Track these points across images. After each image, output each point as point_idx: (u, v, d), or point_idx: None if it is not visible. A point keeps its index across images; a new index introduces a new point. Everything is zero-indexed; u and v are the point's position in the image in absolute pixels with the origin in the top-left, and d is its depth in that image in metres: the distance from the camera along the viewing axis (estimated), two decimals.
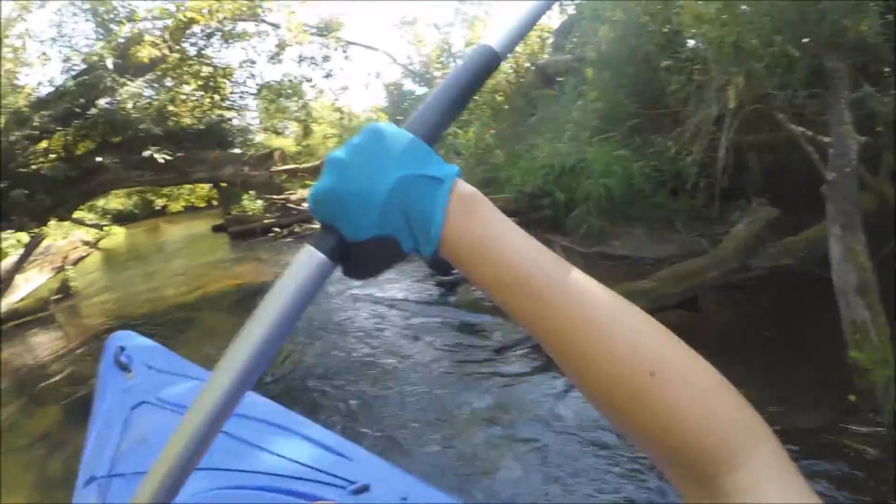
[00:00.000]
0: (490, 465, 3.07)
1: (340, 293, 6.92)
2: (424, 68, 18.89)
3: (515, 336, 4.35)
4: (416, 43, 19.09)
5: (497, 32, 0.57)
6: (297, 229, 12.19)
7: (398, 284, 6.87)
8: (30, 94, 12.71)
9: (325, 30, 15.68)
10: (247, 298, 7.51)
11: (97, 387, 2.17)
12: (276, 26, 14.99)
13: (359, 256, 0.49)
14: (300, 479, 1.31)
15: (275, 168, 14.47)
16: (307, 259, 0.49)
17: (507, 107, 9.96)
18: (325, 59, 16.60)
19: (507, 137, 8.86)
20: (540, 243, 0.46)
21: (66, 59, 13.07)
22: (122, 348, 2.23)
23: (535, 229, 5.98)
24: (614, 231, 6.25)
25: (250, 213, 14.25)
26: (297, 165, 15.63)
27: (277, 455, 1.42)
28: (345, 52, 16.39)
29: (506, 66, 9.96)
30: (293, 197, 13.18)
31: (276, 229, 12.64)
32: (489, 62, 0.55)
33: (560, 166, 6.70)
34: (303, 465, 1.37)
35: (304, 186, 14.29)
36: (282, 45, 15.54)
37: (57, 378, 5.72)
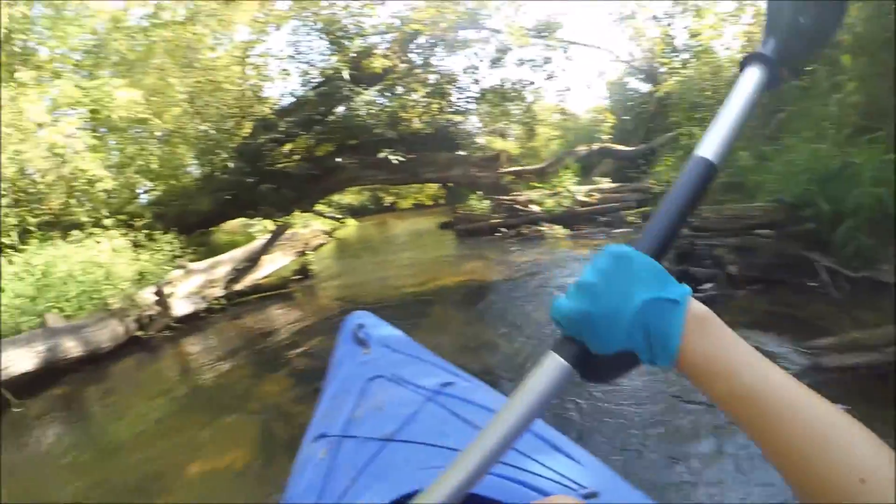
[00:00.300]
0: None
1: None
2: (648, 64, 17.46)
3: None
4: (636, 38, 17.79)
5: (710, 142, 0.64)
6: (524, 230, 11.45)
7: None
8: (274, 105, 13.64)
9: (544, 31, 14.96)
10: (475, 294, 7.04)
11: (334, 356, 2.29)
12: (496, 31, 14.61)
13: (599, 366, 0.57)
14: (532, 473, 1.26)
15: (501, 169, 13.87)
16: (552, 365, 0.57)
17: None
18: (547, 60, 15.88)
19: (752, 137, 7.22)
20: (766, 358, 0.51)
21: (304, 74, 13.80)
22: (361, 325, 2.35)
23: (793, 244, 5.10)
24: (885, 253, 4.69)
25: (477, 213, 13.71)
26: (523, 167, 14.97)
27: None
28: (565, 52, 15.54)
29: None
30: (520, 198, 12.43)
31: (503, 229, 12.01)
32: (707, 174, 0.62)
33: (823, 171, 5.17)
34: (534, 460, 1.32)
35: (530, 188, 13.59)
36: (503, 50, 15.16)
37: (290, 350, 5.76)
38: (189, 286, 7.70)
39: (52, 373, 5.79)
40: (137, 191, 11.57)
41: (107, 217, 9.59)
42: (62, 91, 8.87)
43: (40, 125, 8.17)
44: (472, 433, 1.34)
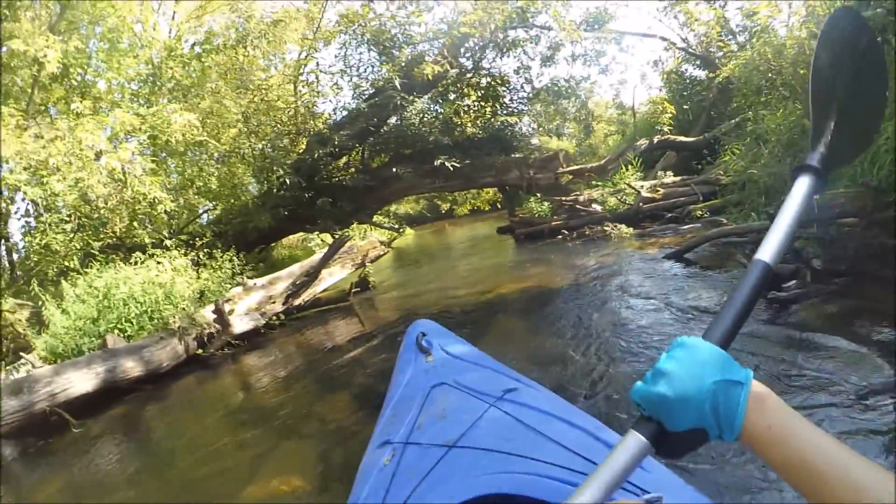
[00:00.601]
0: None
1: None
2: (704, 49, 16.64)
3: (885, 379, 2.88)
4: (690, 23, 16.98)
5: (768, 248, 0.75)
6: (587, 232, 10.89)
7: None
8: (327, 119, 13.56)
9: (595, 23, 14.39)
10: (540, 302, 6.50)
11: (397, 364, 2.30)
12: (546, 29, 14.14)
13: (673, 442, 0.65)
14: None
15: (560, 169, 13.38)
16: (633, 441, 0.65)
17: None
18: (599, 54, 15.45)
19: None
20: (816, 427, 0.60)
21: (356, 87, 13.63)
22: (424, 334, 2.35)
23: (877, 231, 4.56)
24: None
25: (536, 216, 13.27)
26: (581, 166, 14.41)
27: (571, 451, 1.35)
28: (618, 43, 14.98)
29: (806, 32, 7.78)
30: (581, 198, 11.88)
31: (565, 231, 11.49)
32: (766, 275, 0.73)
33: None
34: (594, 463, 1.27)
35: (590, 186, 13.04)
36: (555, 47, 14.61)
37: (350, 366, 5.56)
38: (248, 303, 7.60)
39: (113, 393, 5.82)
40: (198, 211, 11.66)
41: (168, 238, 9.69)
42: (119, 119, 8.95)
43: (99, 154, 8.24)
44: (536, 438, 1.37)
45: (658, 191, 11.17)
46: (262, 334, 7.52)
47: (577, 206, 11.74)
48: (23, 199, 9.09)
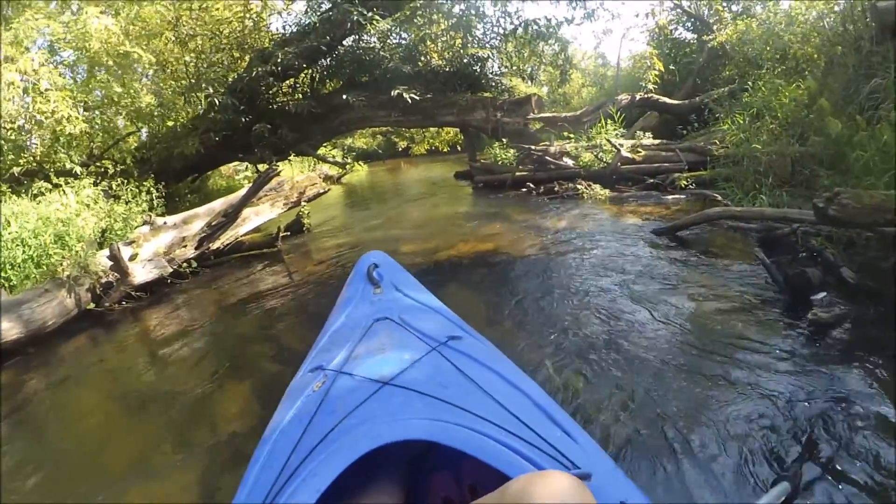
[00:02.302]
0: None
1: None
2: (698, 10, 15.56)
3: None
4: None
5: None
6: (556, 188, 9.92)
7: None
8: (273, 35, 12.24)
9: None
10: (498, 274, 5.52)
11: (344, 292, 2.34)
12: None
13: None
14: (529, 443, 1.22)
15: (531, 115, 12.42)
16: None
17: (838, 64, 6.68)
18: None
19: (840, 103, 5.83)
20: None
21: (310, 1, 12.25)
22: (376, 265, 2.36)
23: None
24: None
25: (500, 163, 12.35)
26: (555, 114, 13.47)
27: (508, 411, 1.35)
28: None
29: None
30: (551, 149, 10.91)
31: (531, 184, 10.56)
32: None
33: None
34: (533, 430, 1.28)
35: (562, 138, 12.04)
36: None
37: (268, 327, 4.96)
38: (155, 246, 6.61)
39: None
40: (121, 134, 10.47)
41: (87, 164, 8.67)
42: (22, 25, 7.79)
43: None
44: (473, 390, 1.42)
45: (639, 152, 10.19)
46: (169, 284, 6.57)
47: (547, 158, 10.77)
48: None
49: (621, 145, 10.12)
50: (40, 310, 5.31)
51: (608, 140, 10.57)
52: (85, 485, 2.81)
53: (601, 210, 8.00)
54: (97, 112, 9.54)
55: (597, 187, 9.41)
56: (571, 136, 12.05)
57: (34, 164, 8.58)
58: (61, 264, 5.74)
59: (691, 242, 5.69)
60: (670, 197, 8.23)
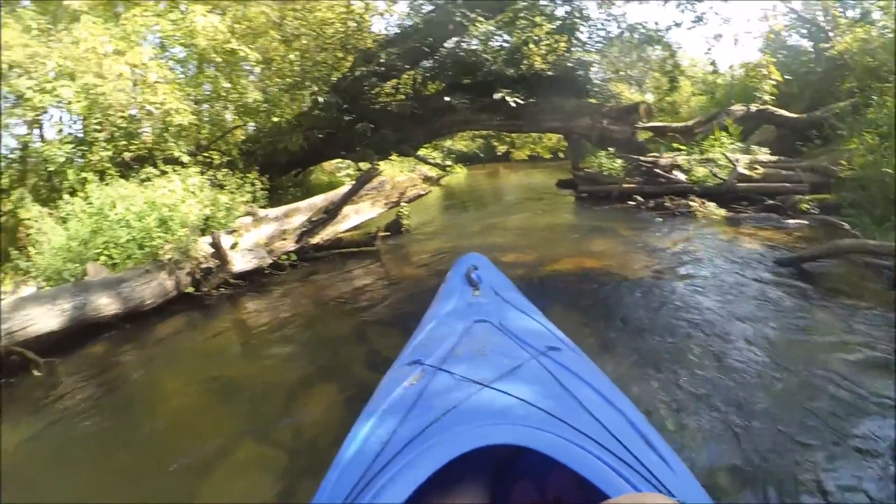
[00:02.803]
0: None
1: None
2: (816, 15, 14.33)
3: None
4: None
5: None
6: (667, 203, 9.08)
7: None
8: (377, 37, 12.10)
9: None
10: (608, 296, 4.87)
11: (441, 290, 2.38)
12: None
13: None
14: (623, 461, 1.16)
15: (639, 124, 11.73)
16: None
17: None
18: None
19: None
20: None
21: (412, 2, 12.12)
22: (475, 267, 2.39)
23: None
24: None
25: (605, 173, 11.70)
26: (665, 124, 12.69)
27: (605, 428, 1.28)
28: None
29: None
30: (662, 162, 10.13)
31: (639, 198, 9.79)
32: None
33: None
34: (627, 449, 1.22)
35: (671, 149, 11.22)
36: None
37: (361, 320, 4.88)
38: (256, 237, 6.53)
39: (90, 329, 4.97)
40: (227, 127, 10.64)
41: (195, 154, 8.80)
42: (131, 20, 7.97)
43: (103, 57, 7.26)
44: (572, 404, 1.38)
45: (756, 169, 9.22)
46: (267, 275, 6.46)
47: (657, 171, 10.00)
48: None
49: (738, 161, 9.28)
50: (140, 289, 5.33)
51: (724, 154, 9.71)
52: (162, 472, 2.72)
53: (717, 231, 7.22)
54: (205, 105, 9.71)
55: (711, 205, 8.59)
56: (682, 147, 11.25)
57: (144, 151, 8.80)
58: (163, 247, 5.70)
59: (818, 277, 4.92)
60: (791, 221, 7.30)
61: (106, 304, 5.02)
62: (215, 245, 5.71)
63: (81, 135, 8.73)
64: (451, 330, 1.87)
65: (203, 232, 6.48)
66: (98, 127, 8.40)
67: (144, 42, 8.70)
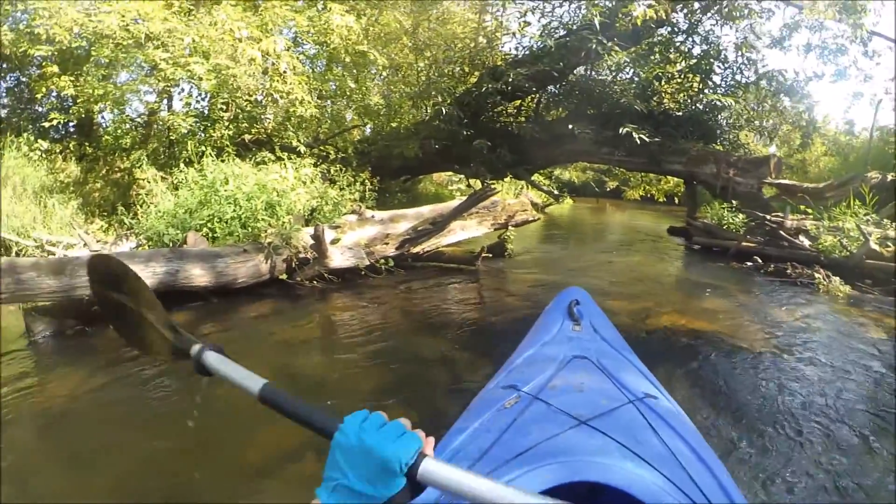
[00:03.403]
0: None
1: None
2: None
3: None
4: None
5: None
6: (789, 270, 8.11)
7: None
8: (506, 56, 11.89)
9: (845, 12, 11.25)
10: (717, 362, 4.26)
11: (541, 320, 2.33)
12: (786, 1, 11.43)
13: None
14: (697, 486, 1.17)
15: (769, 179, 10.86)
16: None
17: None
18: (840, 50, 12.16)
19: None
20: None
21: (546, 26, 11.88)
22: (577, 302, 2.32)
23: None
24: None
25: (724, 227, 10.84)
26: (795, 183, 11.71)
27: (695, 484, 1.21)
28: (865, 45, 11.81)
29: None
30: (787, 223, 9.26)
31: (758, 259, 8.82)
32: None
33: None
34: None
35: (798, 212, 10.24)
36: (791, 26, 11.99)
37: (451, 340, 4.56)
38: (358, 236, 6.40)
39: (177, 295, 4.96)
40: (346, 124, 10.74)
41: (312, 146, 8.88)
42: (271, 9, 8.16)
43: (239, 41, 7.42)
44: (665, 453, 1.33)
45: (888, 246, 8.17)
46: (362, 276, 6.26)
47: (781, 233, 9.07)
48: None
49: (870, 234, 8.25)
50: (234, 266, 5.30)
51: (858, 226, 8.67)
52: (215, 471, 2.55)
53: (840, 311, 6.32)
54: (329, 101, 9.79)
55: (836, 280, 7.60)
56: (809, 211, 10.27)
57: (264, 136, 8.96)
58: (266, 231, 5.63)
59: None
60: None
61: (198, 275, 5.01)
62: (317, 237, 5.57)
63: (207, 111, 9.06)
64: (549, 361, 1.83)
65: (307, 223, 6.43)
66: (224, 107, 8.73)
67: (280, 34, 8.87)
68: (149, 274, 4.64)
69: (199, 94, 9.14)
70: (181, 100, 9.77)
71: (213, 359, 0.98)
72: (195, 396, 2.83)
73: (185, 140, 8.07)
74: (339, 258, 5.89)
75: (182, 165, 6.98)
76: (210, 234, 5.87)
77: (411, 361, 4.02)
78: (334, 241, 6.04)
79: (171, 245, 5.67)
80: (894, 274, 7.54)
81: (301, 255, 5.76)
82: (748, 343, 4.80)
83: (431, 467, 0.70)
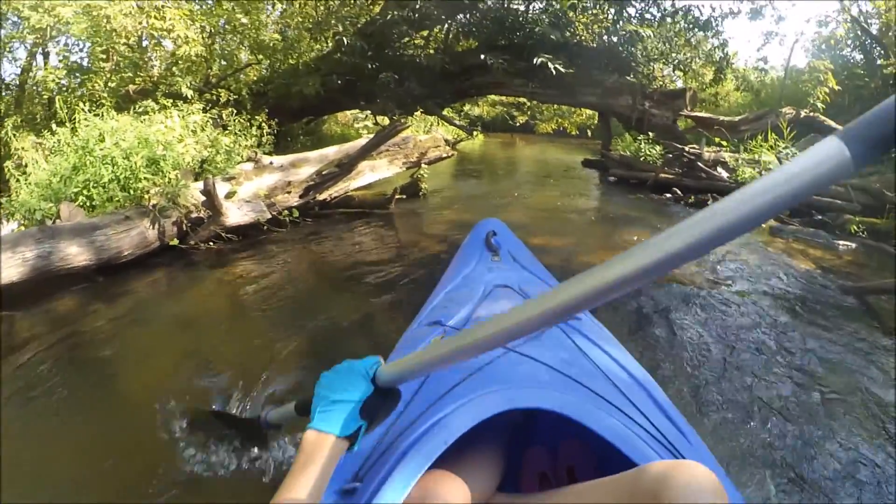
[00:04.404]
0: None
1: None
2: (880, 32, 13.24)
3: None
4: None
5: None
6: (710, 202, 7.89)
7: None
8: None
9: None
10: (651, 299, 4.08)
11: (459, 254, 2.36)
12: None
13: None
14: (645, 430, 1.16)
15: (684, 112, 10.81)
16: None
17: None
18: None
19: None
20: None
21: None
22: (494, 233, 2.34)
23: None
24: None
25: (642, 159, 10.74)
26: (712, 116, 11.74)
27: (627, 398, 1.28)
28: None
29: None
30: (705, 155, 9.17)
31: (677, 191, 8.84)
32: None
33: None
34: (648, 419, 1.21)
35: (713, 144, 10.19)
36: None
37: (366, 293, 4.21)
38: (256, 186, 5.77)
39: (59, 280, 4.29)
40: (241, 63, 9.86)
41: (202, 91, 8.07)
42: None
43: None
44: (593, 371, 1.38)
45: None
46: (264, 231, 5.67)
47: (699, 165, 9.07)
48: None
49: None
50: (116, 237, 4.60)
51: (777, 158, 8.76)
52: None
53: (764, 242, 6.36)
54: (219, 39, 8.92)
55: None
56: (723, 143, 10.34)
57: (150, 85, 8.07)
58: (149, 191, 4.96)
59: (883, 313, 4.10)
60: (840, 242, 6.39)
61: (76, 254, 4.30)
62: (208, 192, 4.93)
63: (87, 63, 8.19)
64: (471, 293, 1.83)
65: (198, 177, 5.75)
66: (104, 56, 7.81)
67: None
68: (17, 262, 3.92)
69: (77, 44, 8.27)
70: (58, 53, 8.85)
71: (272, 416, 1.34)
72: None
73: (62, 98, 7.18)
74: (236, 214, 5.28)
75: (55, 127, 6.14)
76: (88, 203, 5.15)
77: (329, 321, 3.64)
78: (230, 195, 5.41)
79: (45, 221, 4.95)
80: (813, 208, 7.72)
81: (193, 216, 5.12)
82: (677, 277, 4.63)
83: (386, 370, 0.88)
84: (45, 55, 9.00)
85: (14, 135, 6.69)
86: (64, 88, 7.43)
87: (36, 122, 7.31)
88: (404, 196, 7.40)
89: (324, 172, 6.14)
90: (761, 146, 9.83)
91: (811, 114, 11.13)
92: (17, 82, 8.38)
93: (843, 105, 12.58)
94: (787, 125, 10.10)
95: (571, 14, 11.16)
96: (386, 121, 9.28)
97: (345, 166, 6.26)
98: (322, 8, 9.93)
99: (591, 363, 1.43)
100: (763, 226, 7.11)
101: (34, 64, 8.65)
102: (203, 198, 5.07)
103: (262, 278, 4.55)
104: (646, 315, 3.79)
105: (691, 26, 12.37)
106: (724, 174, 8.98)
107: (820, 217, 7.61)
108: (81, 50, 8.43)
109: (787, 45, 33.87)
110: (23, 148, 6.17)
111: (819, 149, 0.47)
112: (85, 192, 5.13)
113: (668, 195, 8.93)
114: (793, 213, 7.73)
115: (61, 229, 4.36)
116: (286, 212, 5.88)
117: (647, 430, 1.17)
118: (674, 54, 12.98)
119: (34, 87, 8.09)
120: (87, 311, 4.00)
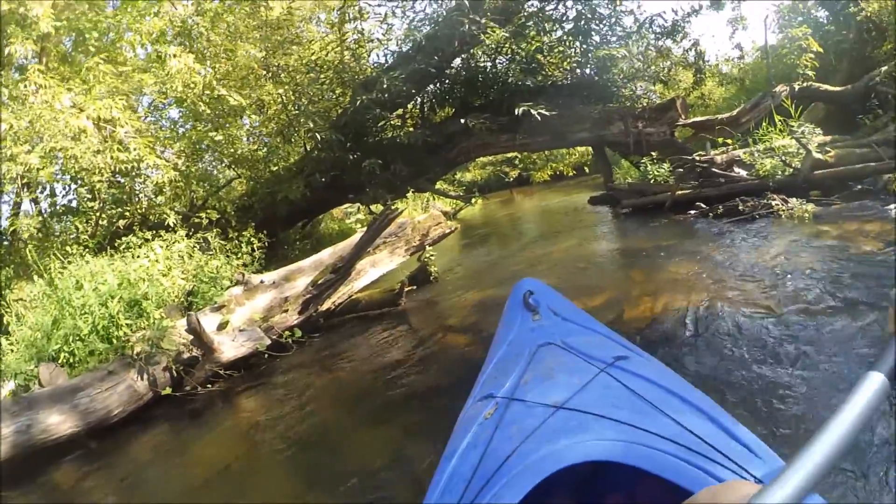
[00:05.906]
0: None
1: None
2: None
3: None
4: None
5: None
6: (740, 207, 7.37)
7: None
8: (375, 69, 10.97)
9: None
10: (707, 345, 3.48)
11: (502, 321, 2.29)
12: None
13: None
14: (705, 456, 1.13)
15: (680, 121, 10.38)
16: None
17: None
18: None
19: None
20: None
21: (411, 22, 10.93)
22: (531, 292, 2.28)
23: None
24: None
25: (652, 181, 10.20)
26: (710, 117, 11.30)
27: (683, 427, 1.24)
28: None
29: None
30: (718, 159, 8.62)
31: (701, 205, 8.06)
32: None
33: None
34: (708, 444, 1.18)
35: (718, 145, 9.60)
36: None
37: (392, 412, 3.68)
38: (251, 310, 5.29)
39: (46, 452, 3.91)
40: (218, 182, 9.64)
41: (187, 216, 7.80)
42: (92, 70, 7.18)
43: (62, 112, 6.32)
44: (647, 409, 1.35)
45: (828, 152, 7.73)
46: (267, 359, 5.08)
47: (714, 170, 8.50)
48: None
49: (808, 144, 7.79)
50: (101, 397, 4.22)
51: (797, 139, 8.17)
52: None
53: (815, 234, 5.62)
54: (187, 160, 8.68)
55: (794, 201, 7.02)
56: (729, 141, 9.84)
57: (139, 217, 8.00)
58: (129, 340, 4.49)
59: None
60: (892, 207, 5.80)
61: (58, 423, 3.96)
62: (193, 330, 4.46)
63: (76, 205, 8.20)
64: (517, 358, 1.84)
65: (188, 309, 5.30)
66: (89, 196, 7.62)
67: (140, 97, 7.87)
68: None
69: (62, 188, 8.32)
70: (34, 200, 8.72)
71: None
72: None
73: (43, 246, 7.08)
74: (230, 347, 4.76)
75: (36, 278, 5.78)
76: (69, 360, 4.70)
77: (356, 459, 3.12)
78: (222, 326, 4.94)
79: (29, 386, 4.51)
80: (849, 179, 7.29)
81: (185, 356, 4.65)
82: (742, 302, 4.02)
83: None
84: (34, 201, 8.91)
85: (7, 285, 6.64)
86: (40, 236, 7.31)
87: (29, 270, 7.08)
88: (414, 286, 6.88)
89: (319, 282, 5.62)
90: (769, 132, 9.36)
91: (804, 84, 10.79)
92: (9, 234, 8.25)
93: (830, 65, 12.24)
94: (791, 102, 9.70)
95: (540, 57, 10.91)
96: (381, 208, 8.92)
97: (341, 270, 5.73)
98: (290, 105, 9.71)
99: (643, 401, 1.39)
100: (806, 214, 6.52)
101: (22, 211, 8.52)
102: (191, 336, 4.58)
103: (274, 418, 3.99)
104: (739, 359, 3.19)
105: (659, 36, 12.09)
106: (743, 172, 8.43)
107: (859, 186, 7.20)
108: (68, 193, 8.42)
109: (754, 27, 33.67)
110: (4, 304, 5.97)
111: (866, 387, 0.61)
112: (66, 347, 4.75)
113: (692, 211, 8.20)
114: (827, 190, 7.26)
115: (39, 398, 4.01)
116: (287, 333, 5.32)
117: (706, 456, 1.13)
118: (651, 67, 12.75)
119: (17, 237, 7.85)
120: (82, 485, 3.59)
